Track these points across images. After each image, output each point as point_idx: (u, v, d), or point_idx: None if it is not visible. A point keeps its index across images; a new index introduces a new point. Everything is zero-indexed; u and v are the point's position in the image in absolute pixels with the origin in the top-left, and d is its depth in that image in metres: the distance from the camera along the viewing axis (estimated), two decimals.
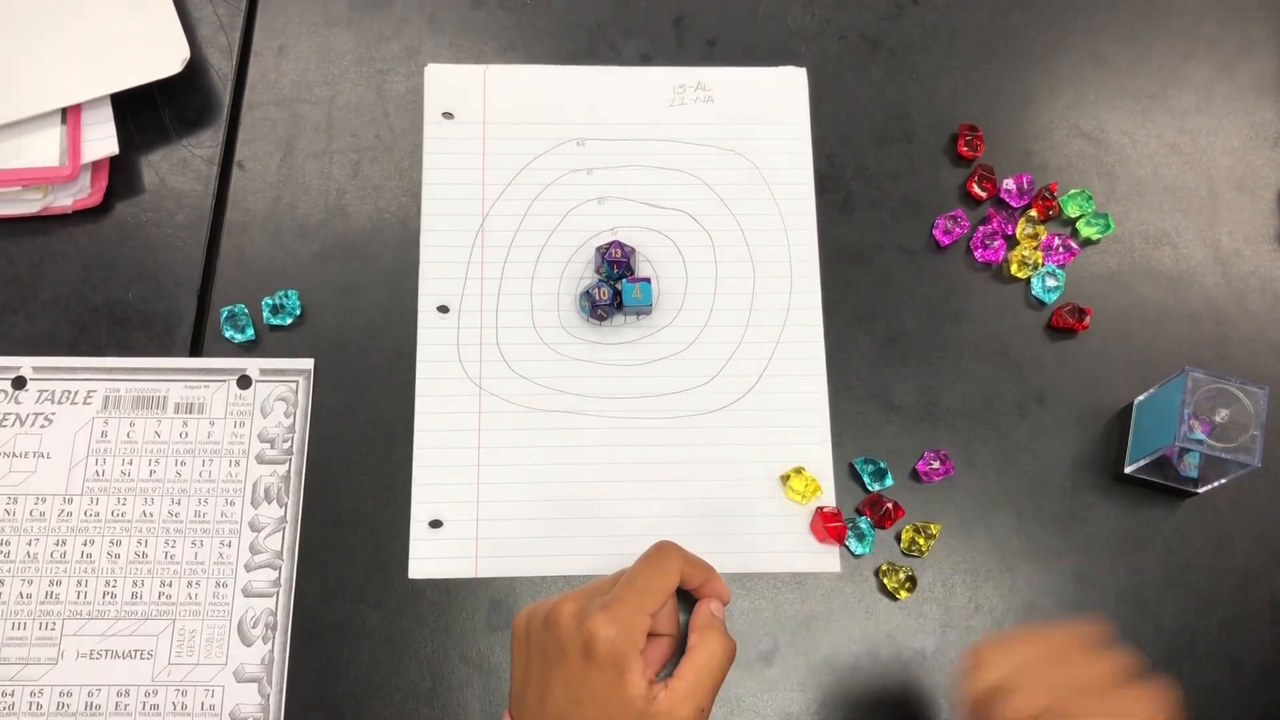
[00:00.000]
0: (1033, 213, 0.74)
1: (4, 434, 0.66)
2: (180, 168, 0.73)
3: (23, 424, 0.67)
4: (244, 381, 0.68)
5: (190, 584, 0.64)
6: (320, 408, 0.68)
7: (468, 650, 0.64)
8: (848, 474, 0.68)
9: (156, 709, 0.62)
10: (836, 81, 0.77)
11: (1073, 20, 0.80)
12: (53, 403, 0.67)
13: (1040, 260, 0.72)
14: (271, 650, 0.63)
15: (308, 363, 0.69)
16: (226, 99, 0.75)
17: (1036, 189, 0.74)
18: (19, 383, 0.67)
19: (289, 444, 0.67)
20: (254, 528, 0.65)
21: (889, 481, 0.68)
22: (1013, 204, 0.74)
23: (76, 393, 0.67)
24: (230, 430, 0.67)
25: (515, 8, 0.78)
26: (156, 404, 0.67)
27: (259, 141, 0.74)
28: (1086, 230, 0.74)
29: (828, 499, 0.68)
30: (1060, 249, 0.72)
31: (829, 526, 0.66)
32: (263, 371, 0.68)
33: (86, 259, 0.71)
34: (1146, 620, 0.66)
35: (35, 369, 0.68)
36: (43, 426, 0.67)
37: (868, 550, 0.66)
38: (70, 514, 0.65)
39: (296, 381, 0.68)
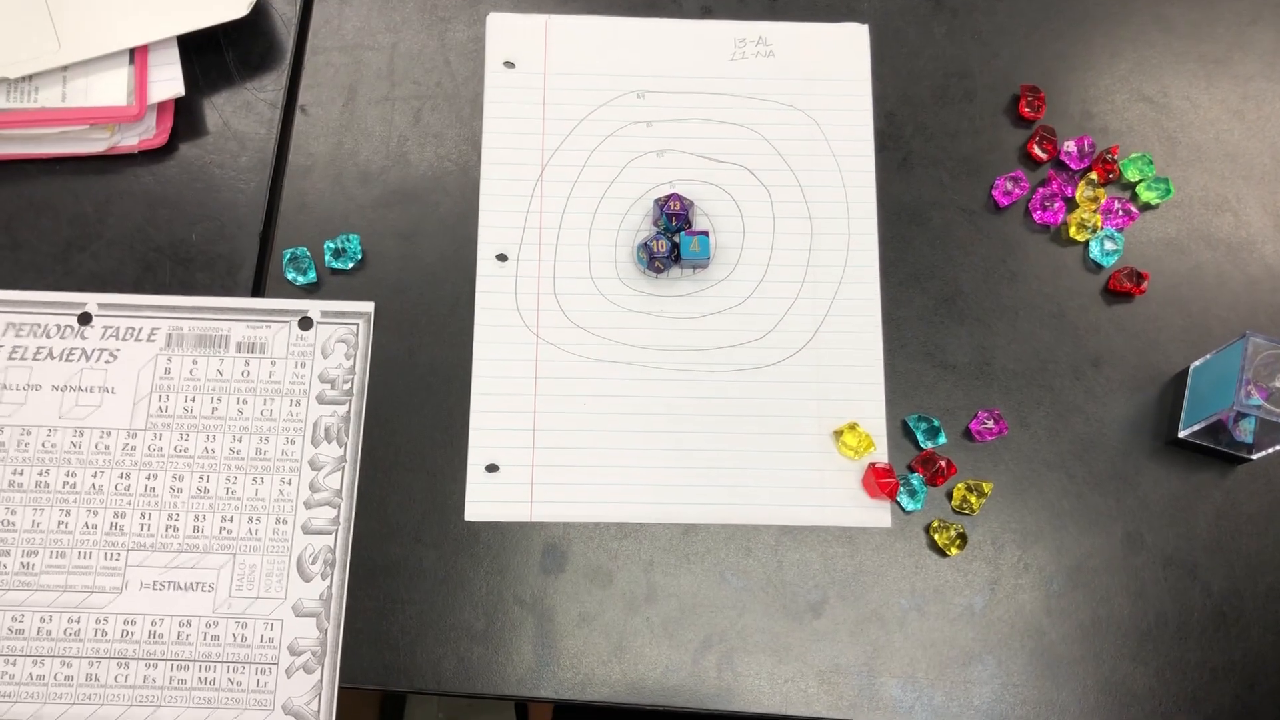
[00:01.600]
0: (1093, 176, 0.73)
1: (70, 368, 0.67)
2: (244, 110, 0.74)
3: (88, 359, 0.68)
4: (305, 323, 0.69)
5: (251, 520, 0.65)
6: (380, 351, 0.69)
7: (521, 592, 0.65)
8: (901, 431, 0.69)
9: (217, 639, 0.63)
10: (898, 39, 0.77)
11: None
12: (117, 339, 0.68)
13: (1099, 223, 0.72)
14: (330, 586, 0.64)
15: (368, 306, 0.69)
16: (290, 43, 0.75)
17: (1097, 152, 0.74)
18: (85, 318, 0.68)
19: (349, 385, 0.68)
20: (314, 466, 0.66)
21: (942, 439, 0.68)
22: (1073, 166, 0.73)
23: (140, 330, 0.68)
24: (291, 370, 0.68)
25: None
26: (219, 343, 0.68)
27: (322, 86, 0.74)
28: (1146, 195, 0.73)
29: (880, 455, 0.68)
30: (1120, 213, 0.72)
31: (881, 482, 0.66)
32: (324, 313, 0.69)
33: (151, 199, 0.71)
34: (1195, 585, 0.67)
35: (100, 305, 0.69)
36: (107, 362, 0.68)
37: (919, 507, 0.67)
38: (134, 448, 0.66)
39: (357, 324, 0.69)
